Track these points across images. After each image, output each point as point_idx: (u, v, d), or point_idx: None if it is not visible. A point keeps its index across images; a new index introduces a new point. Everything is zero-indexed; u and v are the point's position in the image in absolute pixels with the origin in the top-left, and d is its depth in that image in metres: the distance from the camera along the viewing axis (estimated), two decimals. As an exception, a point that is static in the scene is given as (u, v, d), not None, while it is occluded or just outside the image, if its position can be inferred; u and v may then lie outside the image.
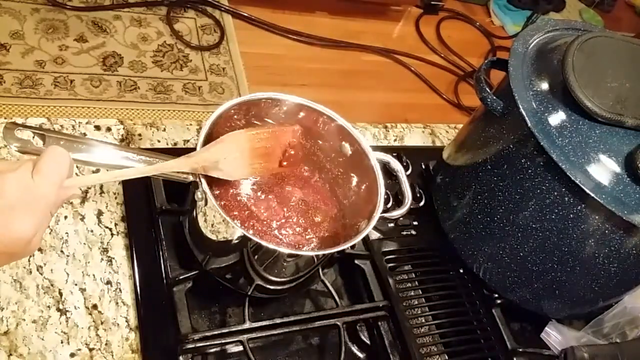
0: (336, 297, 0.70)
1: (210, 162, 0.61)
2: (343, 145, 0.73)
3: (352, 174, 0.74)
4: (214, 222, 0.63)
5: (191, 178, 0.62)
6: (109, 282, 0.67)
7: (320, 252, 0.67)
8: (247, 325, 0.65)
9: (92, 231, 0.70)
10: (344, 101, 2.02)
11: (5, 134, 0.51)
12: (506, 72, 0.71)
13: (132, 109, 1.83)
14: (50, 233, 0.68)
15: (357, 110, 2.09)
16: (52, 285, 0.65)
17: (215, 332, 0.64)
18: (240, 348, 0.65)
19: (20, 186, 0.44)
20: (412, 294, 0.80)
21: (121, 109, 1.81)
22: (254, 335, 0.65)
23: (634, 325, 0.77)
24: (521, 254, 0.73)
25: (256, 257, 0.63)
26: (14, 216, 0.43)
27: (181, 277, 0.67)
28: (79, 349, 0.62)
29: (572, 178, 0.62)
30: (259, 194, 0.71)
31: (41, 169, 0.45)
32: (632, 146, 0.63)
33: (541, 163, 0.66)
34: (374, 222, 0.64)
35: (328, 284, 0.70)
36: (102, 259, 0.68)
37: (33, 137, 0.52)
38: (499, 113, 0.72)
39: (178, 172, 0.61)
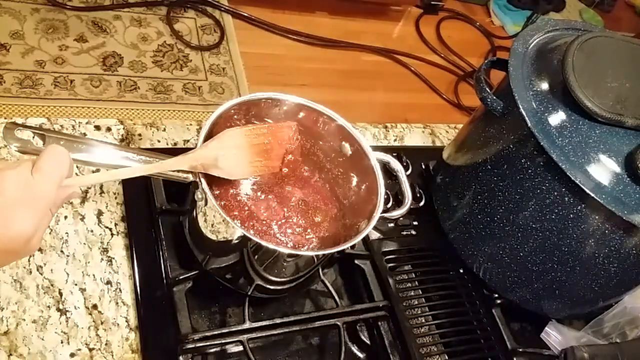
0: (336, 297, 0.70)
1: (209, 159, 0.61)
2: (343, 145, 0.73)
3: (352, 174, 0.74)
4: (214, 222, 0.63)
5: (191, 178, 0.62)
6: (109, 282, 0.67)
7: (320, 252, 0.67)
8: (247, 325, 0.65)
9: (92, 231, 0.70)
10: (344, 101, 2.01)
11: (5, 134, 0.51)
12: (506, 72, 0.71)
13: (132, 109, 1.83)
14: (50, 233, 0.68)
15: (357, 110, 2.09)
16: (52, 285, 0.65)
17: (215, 332, 0.64)
18: (240, 348, 0.65)
19: (20, 184, 0.44)
20: (412, 294, 0.80)
21: (121, 109, 1.81)
22: (254, 335, 0.65)
23: (634, 325, 0.77)
24: (521, 254, 0.73)
25: (256, 257, 0.63)
26: (13, 214, 0.43)
27: (181, 277, 0.67)
28: (79, 349, 0.62)
29: (572, 178, 0.62)
30: (259, 194, 0.71)
31: (41, 167, 0.45)
32: (632, 146, 0.63)
33: (541, 163, 0.66)
34: (374, 222, 0.64)
35: (328, 284, 0.70)
36: (102, 259, 0.68)
37: (33, 137, 0.52)
38: (499, 113, 0.72)
39: (178, 172, 0.61)
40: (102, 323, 0.64)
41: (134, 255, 0.69)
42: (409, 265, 0.82)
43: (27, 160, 0.46)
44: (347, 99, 2.10)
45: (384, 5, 2.50)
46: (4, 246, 0.43)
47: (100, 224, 0.71)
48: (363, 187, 0.72)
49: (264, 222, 0.69)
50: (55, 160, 0.47)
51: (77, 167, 0.73)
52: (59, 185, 0.46)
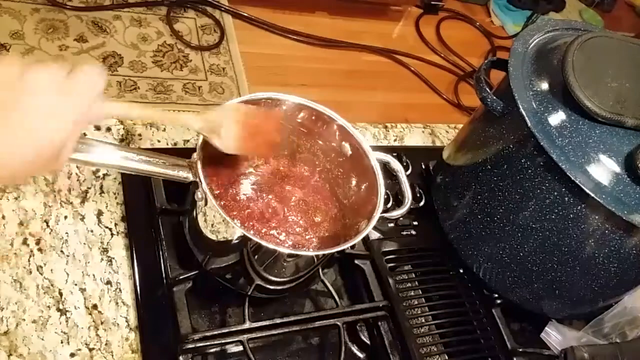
0: (336, 297, 0.70)
1: (216, 123, 0.60)
2: (343, 145, 0.73)
3: (352, 174, 0.74)
4: (214, 222, 0.63)
5: (191, 178, 0.62)
6: (109, 282, 0.67)
7: (320, 252, 0.67)
8: (247, 325, 0.65)
9: (92, 231, 0.70)
10: (344, 101, 2.02)
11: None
12: (506, 72, 0.71)
13: (132, 109, 1.82)
14: (50, 233, 0.68)
15: (357, 110, 2.09)
16: (52, 285, 0.65)
17: (215, 332, 0.64)
18: (240, 348, 0.65)
19: (52, 86, 0.41)
20: (412, 294, 0.79)
21: (121, 109, 1.81)
22: (254, 335, 0.65)
23: (634, 325, 0.77)
24: (521, 254, 0.73)
25: (256, 257, 0.63)
26: (43, 119, 0.41)
27: (181, 277, 0.67)
28: (79, 349, 0.62)
29: (572, 178, 0.62)
30: (259, 194, 0.71)
31: (77, 76, 0.43)
32: (632, 146, 0.63)
33: (541, 163, 0.66)
34: (374, 222, 0.64)
35: (328, 284, 0.70)
36: (102, 259, 0.68)
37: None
38: (499, 113, 0.72)
39: (178, 171, 0.61)
40: (102, 323, 0.64)
41: (134, 255, 0.69)
42: (409, 265, 0.82)
43: (59, 65, 0.43)
44: (347, 99, 2.10)
45: (384, 5, 2.50)
46: (34, 152, 0.41)
47: (100, 224, 0.71)
48: (363, 187, 0.72)
49: (264, 222, 0.69)
50: (92, 76, 0.44)
51: (77, 167, 0.73)
52: (90, 101, 0.44)
